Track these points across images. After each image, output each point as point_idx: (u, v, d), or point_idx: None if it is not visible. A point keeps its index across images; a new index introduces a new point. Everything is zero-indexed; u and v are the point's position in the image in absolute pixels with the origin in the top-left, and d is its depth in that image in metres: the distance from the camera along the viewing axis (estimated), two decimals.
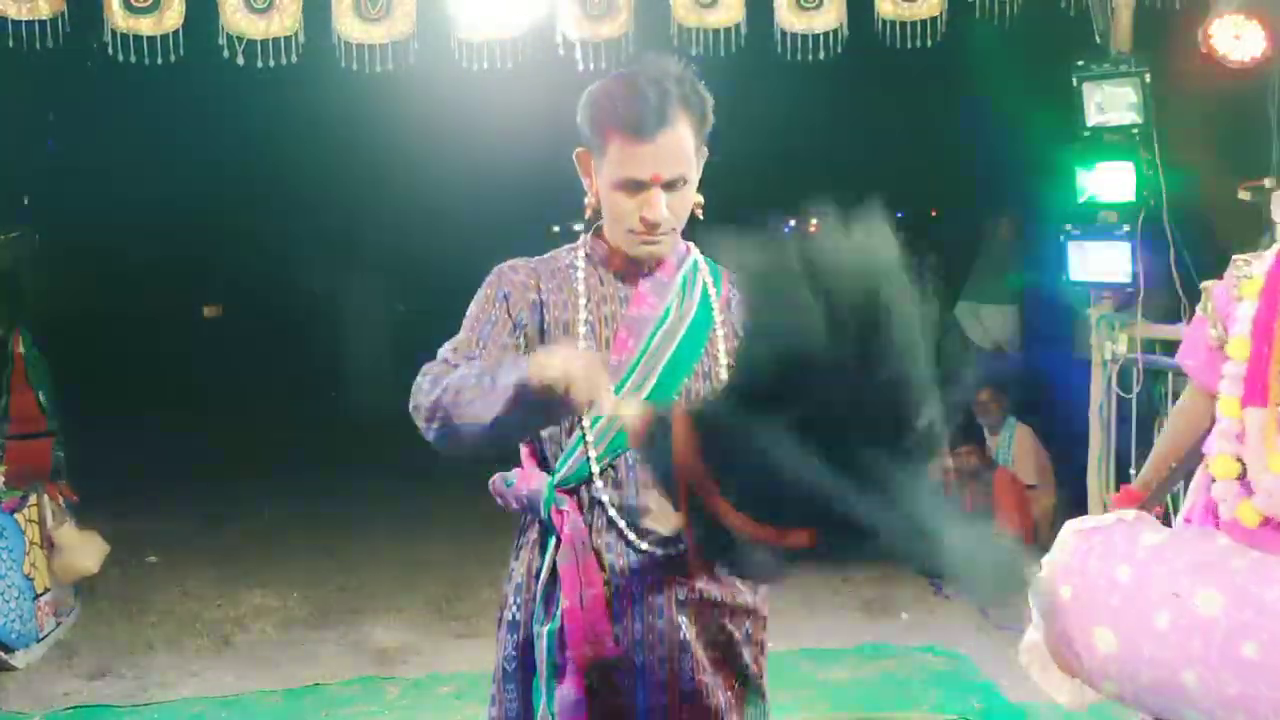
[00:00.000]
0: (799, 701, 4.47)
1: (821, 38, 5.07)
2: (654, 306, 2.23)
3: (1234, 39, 5.06)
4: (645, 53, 2.23)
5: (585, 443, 2.16)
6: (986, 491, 6.18)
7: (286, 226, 12.52)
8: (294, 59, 4.83)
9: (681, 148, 2.11)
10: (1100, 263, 5.39)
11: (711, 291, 2.27)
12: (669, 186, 2.12)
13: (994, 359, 8.19)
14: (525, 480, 2.27)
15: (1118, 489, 3.86)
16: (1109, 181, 5.31)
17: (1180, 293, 5.06)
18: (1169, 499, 3.35)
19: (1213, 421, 2.98)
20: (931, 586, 5.87)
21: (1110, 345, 5.42)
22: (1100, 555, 2.65)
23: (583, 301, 2.21)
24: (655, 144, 2.07)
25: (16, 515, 5.21)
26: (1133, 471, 3.49)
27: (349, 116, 8.91)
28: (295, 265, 13.19)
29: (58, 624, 5.38)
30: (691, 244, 2.31)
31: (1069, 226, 5.52)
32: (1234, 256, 3.00)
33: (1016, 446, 6.83)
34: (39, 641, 5.18)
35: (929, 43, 5.10)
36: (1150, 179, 5.17)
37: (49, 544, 5.43)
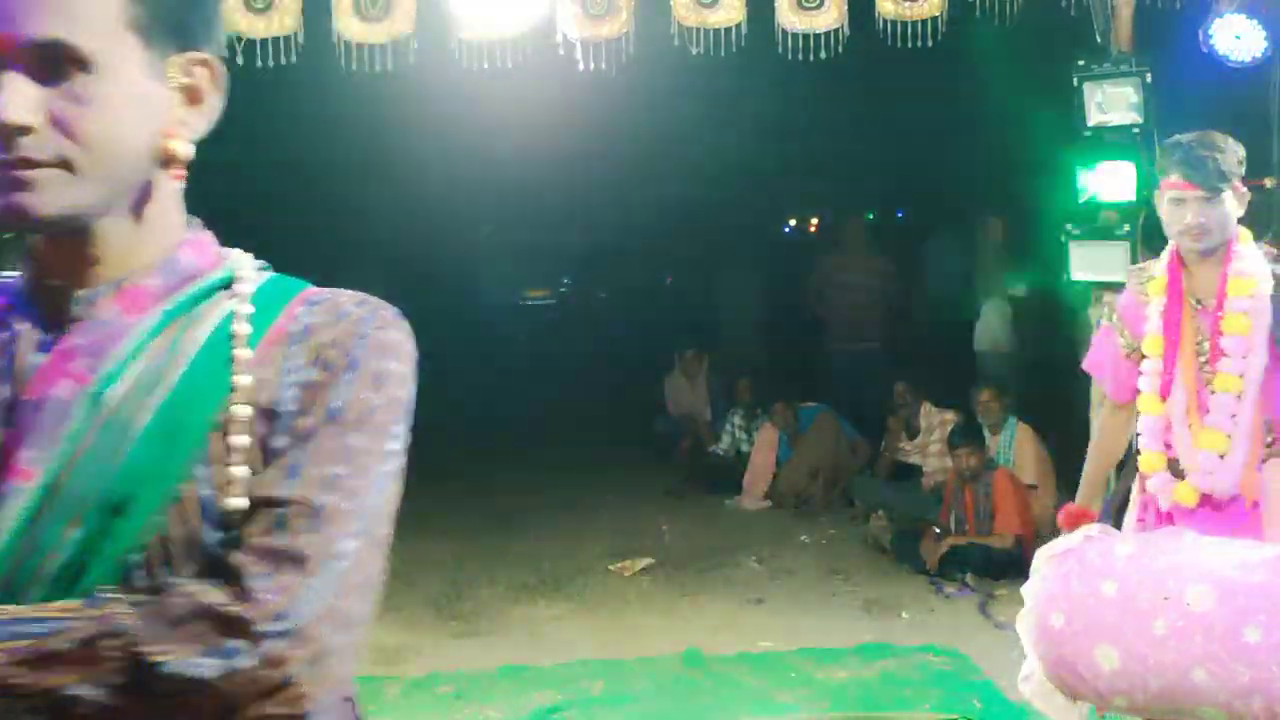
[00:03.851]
0: (799, 701, 4.47)
1: (822, 38, 5.07)
2: (82, 374, 1.15)
3: (1234, 39, 5.06)
4: None
5: None
6: (986, 491, 6.18)
7: (285, 227, 12.52)
8: (294, 59, 4.83)
9: None
10: (1100, 263, 5.39)
11: (237, 329, 1.19)
12: (41, 65, 1.08)
13: (994, 359, 8.19)
14: None
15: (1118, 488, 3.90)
16: (1109, 181, 5.31)
17: None
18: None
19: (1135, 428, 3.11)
20: (931, 586, 5.87)
21: None
22: (1079, 576, 2.69)
23: None
24: None
25: None
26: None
27: (349, 116, 8.91)
28: (294, 266, 13.19)
29: None
30: (228, 250, 1.32)
31: (1069, 226, 5.51)
32: (1130, 267, 3.19)
33: (1017, 446, 6.83)
34: None
35: (929, 43, 5.10)
36: (1150, 179, 5.17)
37: None
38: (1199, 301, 2.98)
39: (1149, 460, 3.02)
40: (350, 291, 1.27)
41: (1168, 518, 2.97)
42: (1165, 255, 3.07)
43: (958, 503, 6.25)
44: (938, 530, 6.22)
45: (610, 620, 5.47)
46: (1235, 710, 2.44)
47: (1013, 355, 8.24)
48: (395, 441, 1.20)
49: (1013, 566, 5.88)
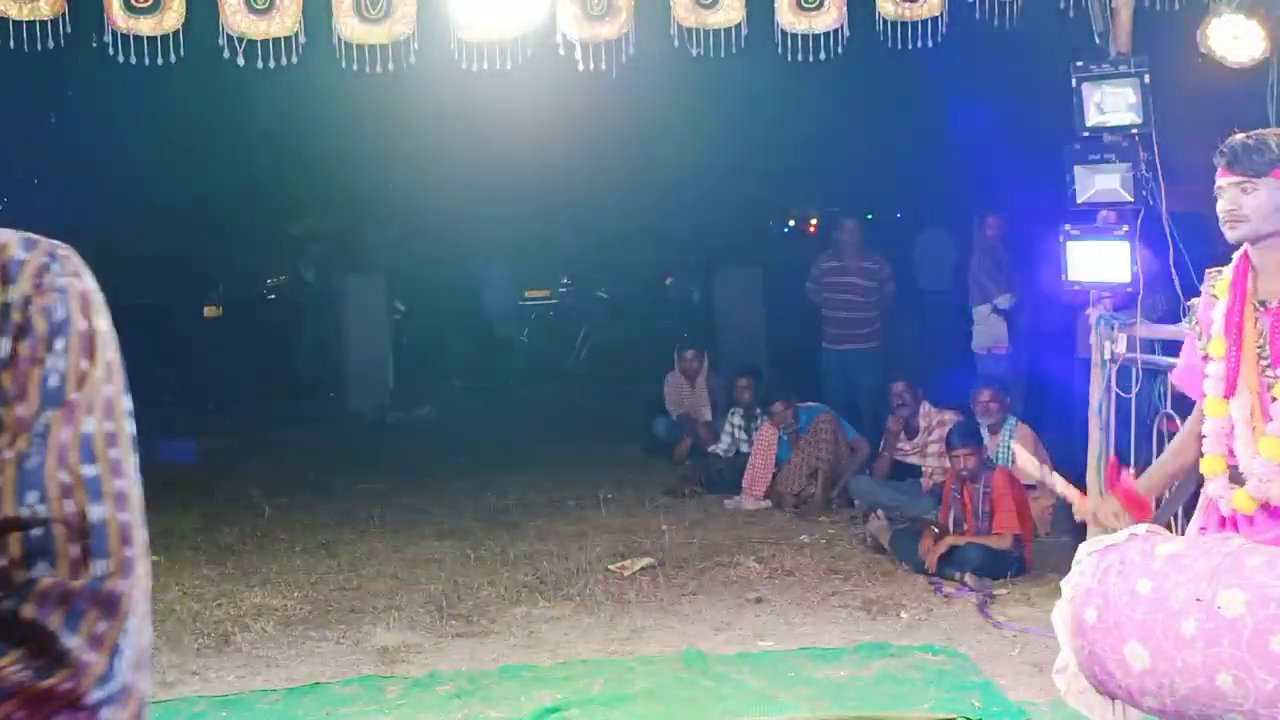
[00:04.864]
0: (799, 701, 4.47)
1: (821, 38, 5.07)
2: None
3: (1233, 39, 5.07)
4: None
5: None
6: (986, 492, 6.19)
7: (286, 227, 12.55)
8: (294, 59, 4.84)
9: None
10: (1100, 263, 5.39)
11: None
12: None
13: (993, 360, 8.20)
14: None
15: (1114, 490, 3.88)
16: (1109, 182, 5.31)
17: (1180, 293, 5.06)
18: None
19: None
20: (930, 586, 5.88)
21: (1110, 345, 5.42)
22: (1119, 572, 2.68)
23: None
24: None
25: None
26: (1132, 471, 3.51)
27: (349, 117, 8.92)
28: (295, 266, 13.20)
29: None
30: None
31: (1069, 226, 5.52)
32: (1206, 270, 3.14)
33: (1016, 446, 6.83)
34: None
35: (929, 43, 5.11)
36: (1150, 179, 5.18)
37: None
38: (1263, 303, 2.93)
39: (1210, 464, 2.96)
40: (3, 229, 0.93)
41: (1229, 524, 2.92)
42: (1237, 255, 3.02)
43: (956, 503, 6.26)
44: (936, 530, 6.22)
45: (610, 620, 5.47)
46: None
47: (1008, 355, 8.25)
48: (130, 421, 0.93)
49: (1011, 566, 5.90)
